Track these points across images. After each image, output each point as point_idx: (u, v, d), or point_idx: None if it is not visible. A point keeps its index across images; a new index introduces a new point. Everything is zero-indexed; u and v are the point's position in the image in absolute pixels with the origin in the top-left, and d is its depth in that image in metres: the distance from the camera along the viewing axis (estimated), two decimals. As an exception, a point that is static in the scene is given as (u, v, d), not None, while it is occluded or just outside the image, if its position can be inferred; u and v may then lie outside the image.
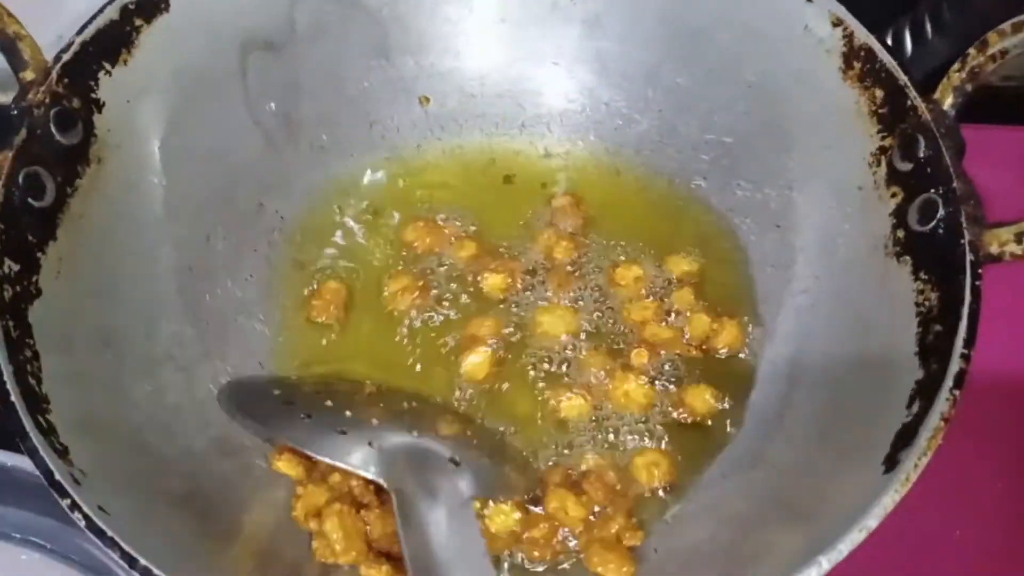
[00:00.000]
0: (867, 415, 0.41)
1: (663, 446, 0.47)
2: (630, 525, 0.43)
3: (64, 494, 0.33)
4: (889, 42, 0.50)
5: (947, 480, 0.49)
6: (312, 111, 0.55)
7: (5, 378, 0.36)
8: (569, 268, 0.53)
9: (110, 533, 0.33)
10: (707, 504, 0.44)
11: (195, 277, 0.49)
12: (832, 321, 0.47)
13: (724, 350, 0.50)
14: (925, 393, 0.38)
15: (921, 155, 0.44)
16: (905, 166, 0.45)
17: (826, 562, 0.33)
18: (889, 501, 0.35)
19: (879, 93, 0.47)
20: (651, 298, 0.52)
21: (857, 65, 0.48)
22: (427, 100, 0.57)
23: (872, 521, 0.34)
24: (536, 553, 0.43)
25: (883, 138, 0.47)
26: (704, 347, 0.50)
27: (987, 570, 0.49)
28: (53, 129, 0.43)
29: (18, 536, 0.42)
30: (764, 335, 0.50)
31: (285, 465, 0.44)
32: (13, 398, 0.35)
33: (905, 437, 0.37)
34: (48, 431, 0.36)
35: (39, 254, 0.41)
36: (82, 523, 0.33)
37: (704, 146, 0.55)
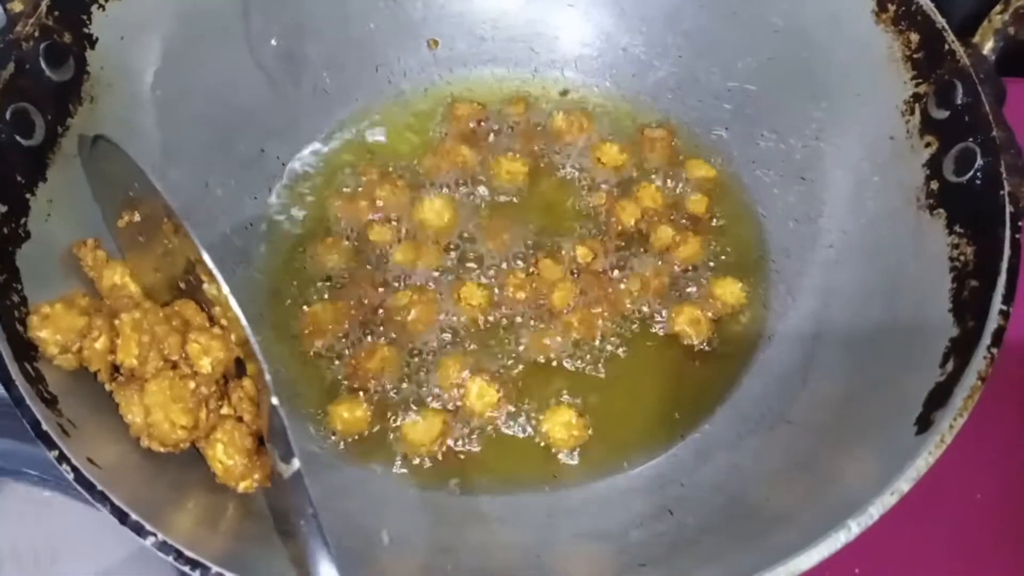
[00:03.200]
0: (897, 374, 0.39)
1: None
2: None
3: (52, 446, 0.32)
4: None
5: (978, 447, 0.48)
6: (316, 53, 0.53)
7: (-12, 324, 0.34)
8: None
9: (99, 487, 0.31)
10: (726, 465, 0.42)
11: (191, 223, 0.47)
12: (859, 277, 0.45)
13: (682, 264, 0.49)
14: (960, 351, 0.37)
15: (959, 102, 0.42)
16: (941, 114, 0.43)
17: (855, 526, 0.32)
18: (923, 463, 0.33)
19: (914, 37, 0.44)
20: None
21: (891, 7, 0.45)
22: (435, 43, 0.55)
23: (905, 484, 0.33)
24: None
25: (917, 85, 0.44)
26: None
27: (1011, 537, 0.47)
28: (43, 64, 0.41)
29: (34, 474, 0.41)
30: (786, 291, 0.48)
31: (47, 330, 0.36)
32: (-2, 344, 0.33)
33: (939, 397, 0.35)
34: (36, 379, 0.34)
35: (28, 195, 0.39)
36: (70, 475, 0.31)
37: (726, 94, 0.53)
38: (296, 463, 0.33)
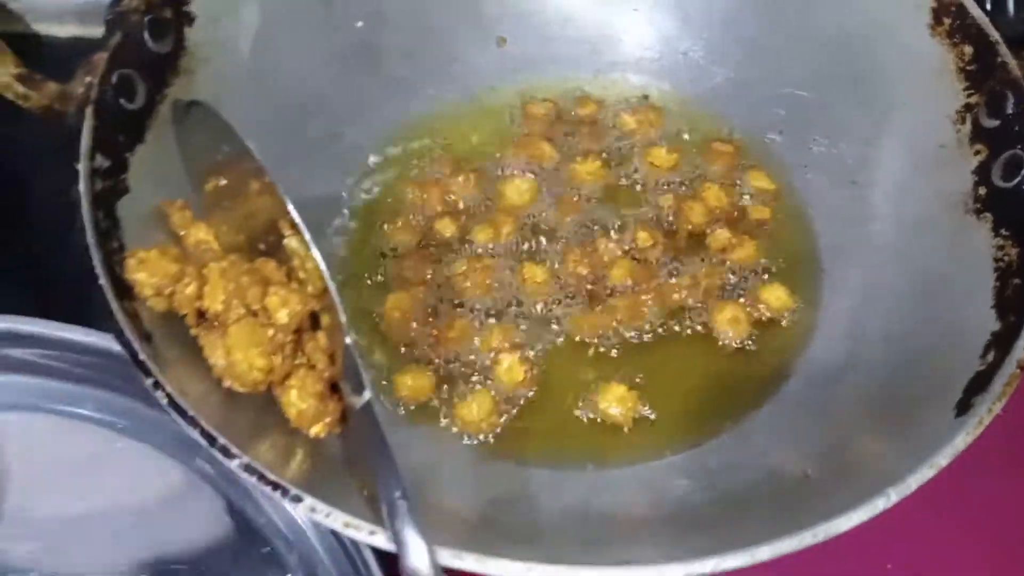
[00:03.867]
0: (937, 366, 0.41)
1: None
2: None
3: (148, 373, 0.34)
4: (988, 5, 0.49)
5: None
6: (393, 43, 0.55)
7: (95, 263, 0.37)
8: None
9: (191, 412, 0.33)
10: (768, 448, 0.43)
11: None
12: (904, 277, 0.47)
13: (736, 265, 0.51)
14: (1001, 344, 0.38)
15: (1009, 111, 0.44)
16: (991, 123, 0.45)
17: (894, 494, 0.33)
18: (961, 442, 0.35)
19: (968, 49, 0.46)
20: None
21: (947, 21, 0.47)
22: (504, 41, 0.58)
23: (943, 460, 0.34)
24: None
25: (969, 95, 0.46)
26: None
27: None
28: (146, 36, 0.44)
29: (99, 417, 0.43)
30: (831, 289, 0.50)
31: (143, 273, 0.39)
32: (101, 281, 0.36)
33: (978, 384, 0.37)
34: (133, 316, 0.37)
35: (128, 154, 0.42)
36: (164, 401, 0.34)
37: (780, 100, 0.55)
38: (367, 394, 0.35)
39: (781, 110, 0.55)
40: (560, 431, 0.46)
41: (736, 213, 0.52)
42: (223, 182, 0.43)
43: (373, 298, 0.49)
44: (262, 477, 0.32)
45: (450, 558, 0.32)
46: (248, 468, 0.33)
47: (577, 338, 0.48)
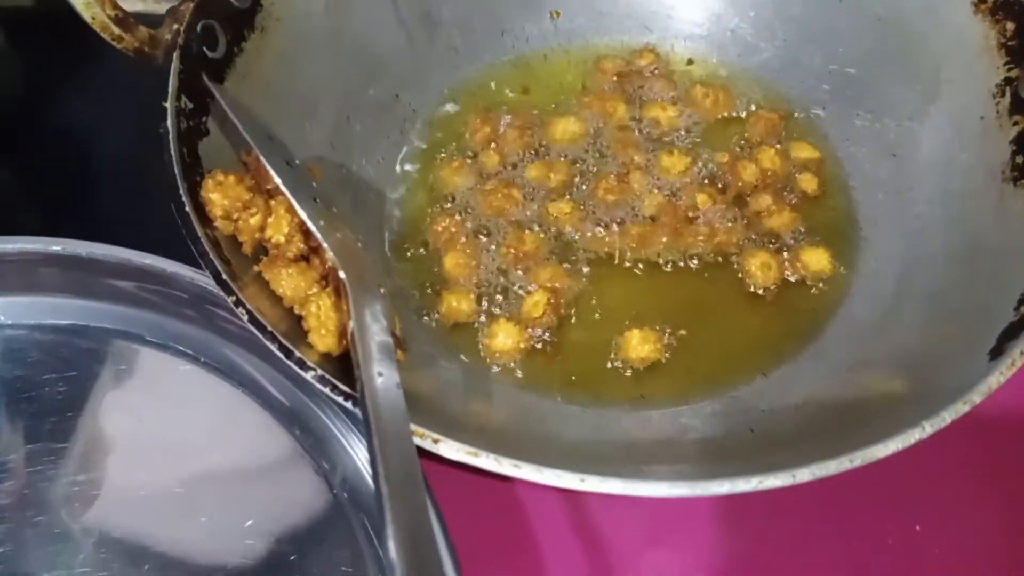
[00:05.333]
0: (973, 321, 0.42)
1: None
2: None
3: (230, 291, 0.37)
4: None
5: None
6: (451, 14, 0.58)
7: (180, 191, 0.39)
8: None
9: (269, 328, 0.36)
10: (806, 396, 0.45)
11: (335, 152, 0.53)
12: (942, 243, 0.48)
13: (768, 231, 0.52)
14: (1035, 297, 0.40)
15: (1048, 84, 0.45)
16: (1031, 95, 0.46)
17: (929, 426, 0.35)
18: (994, 381, 0.36)
19: (1010, 26, 0.48)
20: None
21: (990, -1, 0.49)
22: (557, 14, 0.60)
23: (976, 397, 0.36)
24: None
25: (1010, 69, 0.48)
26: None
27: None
28: (229, -11, 0.47)
29: (173, 346, 0.45)
30: (872, 255, 0.51)
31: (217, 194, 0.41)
32: (188, 208, 0.39)
33: (1012, 332, 0.39)
34: (214, 242, 0.39)
35: (208, 99, 0.45)
36: (245, 317, 0.36)
37: (826, 76, 0.57)
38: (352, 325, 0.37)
39: (826, 86, 0.57)
40: (597, 375, 0.48)
41: (785, 182, 0.54)
42: None
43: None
44: (335, 388, 0.35)
45: (466, 455, 0.34)
46: (322, 380, 0.35)
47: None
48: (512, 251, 0.51)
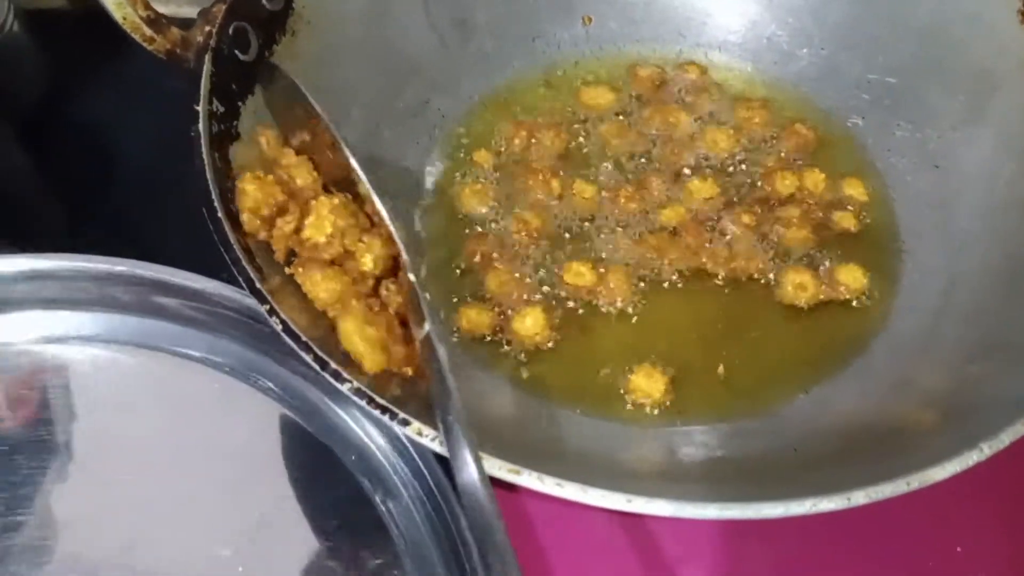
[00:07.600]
0: (1018, 337, 0.41)
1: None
2: None
3: (264, 300, 0.36)
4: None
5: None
6: (484, 19, 0.57)
7: (213, 197, 0.38)
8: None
9: (304, 338, 0.35)
10: (849, 414, 0.44)
11: (363, 157, 0.52)
12: (986, 259, 0.47)
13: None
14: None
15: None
16: (1075, 104, 0.45)
17: (987, 448, 0.34)
18: (1052, 402, 0.35)
19: (1057, 36, 0.47)
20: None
21: (1036, 9, 0.48)
22: (589, 20, 0.59)
23: (1034, 417, 0.35)
24: None
25: (1054, 79, 0.47)
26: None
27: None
28: (262, -9, 0.46)
29: (217, 360, 0.45)
30: (914, 269, 0.50)
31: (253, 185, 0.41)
32: (220, 214, 0.38)
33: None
34: (247, 250, 0.38)
35: (239, 103, 0.44)
36: (279, 327, 0.35)
37: (866, 85, 0.55)
38: (427, 326, 0.36)
39: (865, 95, 0.55)
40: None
41: (822, 213, 0.52)
42: (306, 137, 0.45)
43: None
44: (371, 400, 0.34)
45: (507, 473, 0.33)
46: (358, 392, 0.34)
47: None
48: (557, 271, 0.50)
